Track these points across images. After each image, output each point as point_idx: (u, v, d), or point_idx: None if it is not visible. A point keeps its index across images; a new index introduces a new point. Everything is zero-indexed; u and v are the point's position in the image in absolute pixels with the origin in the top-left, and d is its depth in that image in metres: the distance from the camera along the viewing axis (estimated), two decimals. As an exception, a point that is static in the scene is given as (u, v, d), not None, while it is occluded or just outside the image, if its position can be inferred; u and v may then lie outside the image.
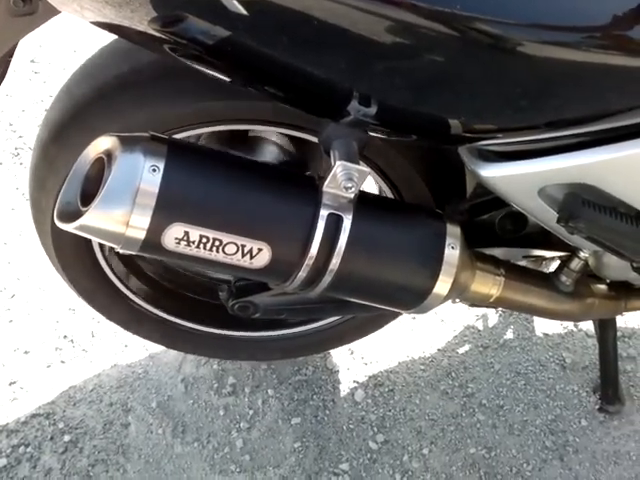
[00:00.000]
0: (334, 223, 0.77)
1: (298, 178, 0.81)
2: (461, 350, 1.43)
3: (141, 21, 0.70)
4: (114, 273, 1.15)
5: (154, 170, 0.70)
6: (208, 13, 0.67)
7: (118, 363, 1.47)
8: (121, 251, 0.76)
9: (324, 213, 0.76)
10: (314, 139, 0.92)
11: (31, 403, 1.41)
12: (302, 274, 0.78)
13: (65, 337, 1.52)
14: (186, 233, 0.72)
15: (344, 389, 1.39)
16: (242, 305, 1.03)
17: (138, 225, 0.71)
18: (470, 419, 1.33)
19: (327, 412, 1.36)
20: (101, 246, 1.09)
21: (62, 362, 1.49)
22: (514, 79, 0.69)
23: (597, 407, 1.32)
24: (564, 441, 1.28)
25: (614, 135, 0.72)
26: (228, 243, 0.74)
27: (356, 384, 1.40)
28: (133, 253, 0.76)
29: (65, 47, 2.09)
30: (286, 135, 1.00)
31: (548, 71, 0.68)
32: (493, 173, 0.81)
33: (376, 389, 1.39)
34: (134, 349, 1.49)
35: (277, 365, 1.43)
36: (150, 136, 0.73)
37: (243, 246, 0.74)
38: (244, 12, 0.63)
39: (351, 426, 1.34)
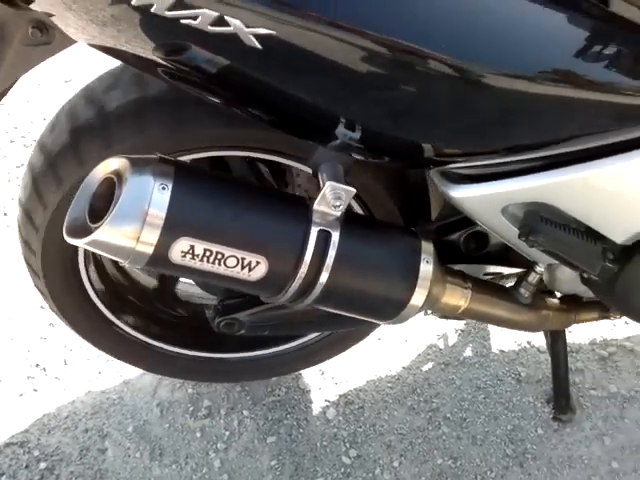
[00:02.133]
0: (323, 239, 0.85)
1: (291, 198, 0.89)
2: (424, 368, 1.52)
3: (128, 42, 0.77)
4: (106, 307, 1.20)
5: (163, 189, 0.77)
6: (194, 40, 0.74)
7: (92, 390, 1.50)
8: (128, 266, 0.82)
9: (315, 230, 0.84)
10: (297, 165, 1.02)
11: (4, 432, 1.42)
12: (294, 286, 0.85)
13: (37, 365, 1.54)
14: (191, 247, 0.79)
15: (316, 408, 1.45)
16: (228, 322, 1.09)
17: (147, 240, 0.77)
18: (436, 432, 1.41)
19: (301, 430, 1.42)
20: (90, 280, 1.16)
21: (35, 390, 1.50)
22: (477, 109, 0.80)
23: (551, 416, 1.42)
24: (523, 449, 1.37)
25: (567, 159, 0.84)
26: (229, 256, 0.81)
27: (327, 403, 1.46)
28: (139, 267, 0.82)
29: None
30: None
31: (508, 102, 0.79)
32: (461, 194, 0.91)
33: (347, 407, 1.45)
34: (108, 376, 1.52)
35: (251, 387, 1.49)
36: (158, 158, 0.80)
37: (243, 259, 0.82)
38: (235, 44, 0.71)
39: (324, 443, 1.40)
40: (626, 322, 1.55)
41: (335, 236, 0.85)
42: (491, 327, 1.58)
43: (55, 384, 1.51)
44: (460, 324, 1.58)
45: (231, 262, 0.82)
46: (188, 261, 0.80)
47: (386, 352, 1.54)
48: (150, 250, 0.78)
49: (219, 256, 0.81)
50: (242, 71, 0.78)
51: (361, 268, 0.89)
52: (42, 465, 1.38)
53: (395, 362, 1.53)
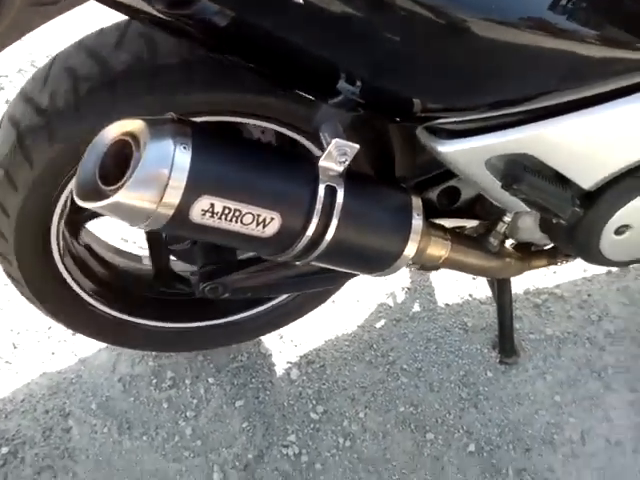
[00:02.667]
0: (330, 194, 0.89)
1: (299, 155, 0.92)
2: (378, 325, 1.59)
3: None
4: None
5: (184, 148, 0.78)
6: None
7: (47, 371, 1.46)
8: (144, 228, 0.82)
9: (322, 185, 0.88)
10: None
11: (-43, 421, 1.35)
12: (303, 242, 0.89)
13: (-16, 352, 1.48)
14: (211, 205, 0.81)
15: (279, 370, 1.49)
16: (212, 287, 1.11)
17: (169, 201, 0.78)
18: (395, 383, 1.49)
19: (267, 392, 1.45)
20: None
21: (-15, 376, 1.44)
22: (463, 59, 0.86)
23: (498, 361, 1.53)
24: (476, 391, 1.48)
25: (546, 112, 0.92)
26: (246, 213, 0.83)
27: (290, 364, 1.51)
28: (155, 229, 0.82)
29: None
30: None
31: (492, 53, 0.85)
32: (448, 149, 0.97)
33: (309, 367, 1.50)
34: (62, 356, 1.48)
35: (212, 355, 1.50)
36: (175, 118, 0.80)
37: (258, 216, 0.84)
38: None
39: (291, 402, 1.44)
40: (554, 271, 1.70)
41: (340, 191, 0.89)
42: (435, 283, 1.67)
43: (6, 368, 1.46)
44: (407, 282, 1.66)
45: (247, 219, 0.84)
46: (207, 220, 0.82)
47: (340, 313, 1.60)
48: (171, 211, 0.79)
49: (237, 213, 0.82)
50: (249, 22, 0.80)
51: (362, 222, 0.93)
52: (4, 450, 1.34)
53: (349, 322, 1.59)
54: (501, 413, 1.45)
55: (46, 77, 0.97)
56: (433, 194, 1.12)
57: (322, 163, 0.88)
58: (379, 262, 0.98)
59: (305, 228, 0.88)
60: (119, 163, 0.80)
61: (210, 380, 1.46)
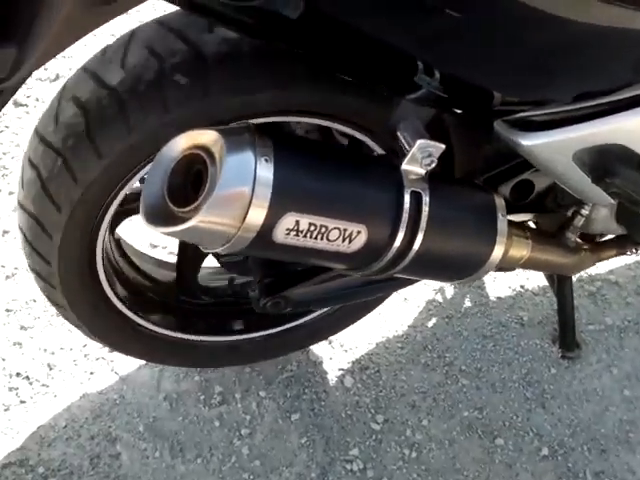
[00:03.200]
0: (416, 201, 0.80)
1: (380, 160, 0.83)
2: (429, 324, 1.51)
3: None
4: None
5: (266, 161, 0.69)
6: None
7: (87, 392, 1.37)
8: (222, 252, 0.73)
9: (407, 191, 0.80)
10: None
11: (-3, 453, 1.28)
12: (390, 253, 0.81)
13: (18, 375, 1.39)
14: (297, 222, 0.72)
15: (332, 378, 1.41)
16: (274, 302, 1.02)
17: (253, 221, 0.69)
18: (455, 385, 1.41)
19: (322, 403, 1.38)
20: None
21: (22, 402, 1.36)
22: (558, 51, 0.78)
23: (560, 355, 1.46)
24: (541, 390, 1.41)
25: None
26: (332, 229, 0.75)
27: (342, 371, 1.43)
28: (233, 253, 0.74)
29: None
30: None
31: (582, 43, 0.77)
32: (531, 142, 0.89)
33: (362, 373, 1.42)
34: (102, 375, 1.40)
35: (261, 367, 1.42)
36: (252, 127, 0.71)
37: (345, 230, 0.76)
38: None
39: (349, 412, 1.37)
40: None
41: (426, 197, 0.81)
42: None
43: (43, 391, 1.37)
44: (456, 277, 1.58)
45: (333, 235, 0.75)
46: (291, 239, 0.73)
47: (388, 314, 1.52)
48: (254, 233, 0.70)
49: (322, 230, 0.74)
50: (324, 11, 0.72)
51: (449, 228, 0.85)
52: (51, 482, 1.26)
53: (399, 322, 1.51)
54: (570, 412, 1.38)
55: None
56: (506, 189, 1.04)
57: (405, 167, 0.80)
58: (465, 269, 0.90)
59: (392, 239, 0.79)
60: (190, 180, 0.71)
61: (261, 393, 1.38)
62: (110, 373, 1.40)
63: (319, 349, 1.46)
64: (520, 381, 1.42)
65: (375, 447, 1.32)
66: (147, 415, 1.35)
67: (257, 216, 0.69)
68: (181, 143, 0.72)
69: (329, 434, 1.33)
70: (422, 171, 0.81)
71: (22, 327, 1.46)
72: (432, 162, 0.79)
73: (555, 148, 0.89)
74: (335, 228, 0.75)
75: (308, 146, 0.77)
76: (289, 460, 1.29)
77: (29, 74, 0.72)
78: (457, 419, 1.36)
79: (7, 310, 1.48)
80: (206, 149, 0.70)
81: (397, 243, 0.80)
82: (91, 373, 1.40)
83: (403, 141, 0.81)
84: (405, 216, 0.79)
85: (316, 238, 0.74)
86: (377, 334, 1.49)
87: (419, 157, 0.79)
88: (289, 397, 1.38)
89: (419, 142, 0.78)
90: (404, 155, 0.80)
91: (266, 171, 0.69)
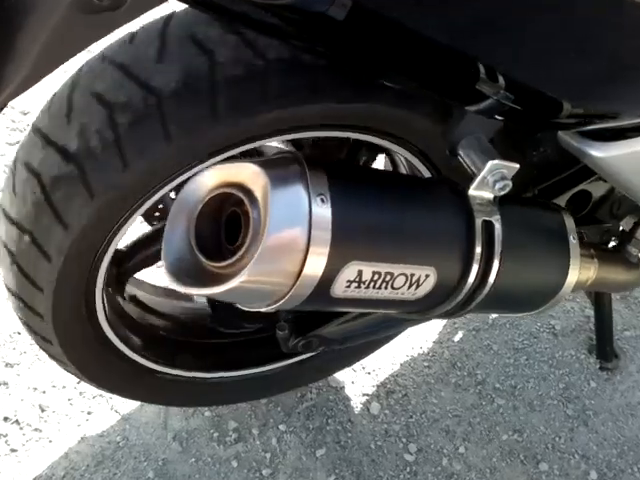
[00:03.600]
0: (487, 230, 0.68)
1: (441, 185, 0.70)
2: (456, 338, 1.40)
3: None
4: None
5: (322, 202, 0.56)
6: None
7: (86, 435, 1.23)
8: (267, 311, 0.60)
9: (478, 221, 0.67)
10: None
11: (-11, 511, 1.14)
12: (461, 295, 0.68)
13: (6, 419, 1.25)
14: (359, 273, 0.59)
15: (357, 405, 1.29)
16: (306, 342, 0.89)
17: (311, 274, 0.56)
18: (491, 406, 1.30)
19: (349, 434, 1.25)
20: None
21: (12, 450, 1.21)
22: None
23: (598, 367, 1.36)
24: (582, 406, 1.31)
25: None
26: (398, 275, 0.62)
27: (367, 397, 1.31)
28: (286, 309, 0.60)
29: None
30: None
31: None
32: (604, 153, 0.77)
33: (389, 398, 1.31)
34: (101, 415, 1.26)
35: (277, 398, 1.29)
36: (300, 157, 0.58)
37: (412, 276, 0.63)
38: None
39: (378, 443, 1.25)
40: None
41: (497, 225, 0.68)
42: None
43: (37, 438, 1.23)
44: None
45: (399, 282, 0.63)
46: (352, 292, 0.60)
47: (411, 329, 1.40)
48: (310, 287, 0.57)
49: (387, 278, 0.61)
50: (373, 9, 0.58)
51: (523, 257, 0.73)
52: (52, 543, 1.12)
53: (423, 339, 1.39)
54: (615, 429, 1.28)
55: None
56: (561, 202, 0.92)
57: (473, 192, 0.67)
58: (540, 299, 0.78)
59: (464, 279, 0.67)
60: (222, 226, 0.57)
61: (281, 427, 1.25)
62: (110, 412, 1.26)
63: (339, 373, 1.33)
64: (559, 397, 1.32)
65: (410, 481, 1.20)
66: (155, 458, 1.21)
67: (315, 269, 0.56)
68: (208, 181, 0.58)
69: (359, 469, 1.21)
70: (491, 196, 0.68)
71: (7, 364, 1.31)
72: (506, 186, 0.66)
73: (629, 159, 0.77)
74: (401, 274, 0.62)
75: (363, 175, 0.64)
76: (318, 502, 1.17)
77: (4, 104, 0.57)
78: (496, 444, 1.25)
79: (-12, 346, 1.33)
80: (242, 187, 0.56)
81: (469, 283, 0.67)
82: (89, 413, 1.26)
83: (467, 161, 0.68)
84: (478, 251, 0.67)
85: (379, 288, 0.61)
86: (401, 353, 1.37)
87: (490, 180, 0.66)
88: (312, 430, 1.25)
89: (491, 163, 0.65)
90: (469, 178, 0.67)
91: (323, 212, 0.55)
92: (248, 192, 0.56)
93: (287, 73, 0.69)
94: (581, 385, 1.33)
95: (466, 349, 1.38)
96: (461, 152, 0.69)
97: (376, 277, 0.60)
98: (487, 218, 0.67)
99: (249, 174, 0.56)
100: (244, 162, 0.57)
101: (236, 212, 0.57)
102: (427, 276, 0.64)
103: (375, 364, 1.35)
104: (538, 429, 1.27)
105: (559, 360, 1.37)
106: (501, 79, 0.68)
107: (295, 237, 0.54)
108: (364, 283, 0.60)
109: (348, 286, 0.59)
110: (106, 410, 1.26)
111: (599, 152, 0.77)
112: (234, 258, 0.55)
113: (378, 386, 1.32)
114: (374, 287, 0.61)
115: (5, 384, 1.28)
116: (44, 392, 1.28)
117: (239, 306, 0.63)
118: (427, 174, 0.87)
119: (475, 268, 0.66)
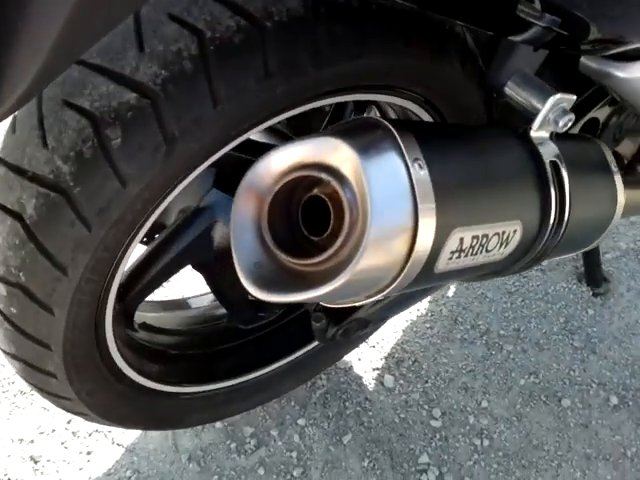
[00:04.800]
0: (556, 171, 0.63)
1: (506, 130, 0.64)
2: (450, 294, 1.37)
3: None
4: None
5: (420, 166, 0.48)
6: None
7: (92, 478, 1.12)
8: (370, 300, 0.52)
9: (547, 163, 0.62)
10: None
11: None
12: (542, 242, 0.63)
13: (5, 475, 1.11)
14: (461, 241, 0.53)
15: (370, 382, 1.24)
16: (347, 328, 0.82)
17: (422, 248, 0.49)
18: (500, 354, 1.28)
19: (370, 413, 1.20)
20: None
21: (13, 513, 1.08)
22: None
23: (591, 294, 1.36)
24: (586, 336, 1.31)
25: None
26: (493, 236, 0.56)
27: (378, 371, 1.25)
28: (379, 297, 0.53)
29: None
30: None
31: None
32: (629, 73, 0.73)
33: (400, 367, 1.26)
34: (102, 452, 1.14)
35: (287, 393, 1.21)
36: (380, 121, 0.50)
37: (502, 233, 0.57)
38: None
39: (402, 415, 1.20)
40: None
41: (562, 163, 0.64)
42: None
43: (38, 493, 1.10)
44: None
45: (492, 243, 0.57)
46: (452, 264, 0.54)
47: (403, 292, 1.35)
48: (420, 265, 0.50)
49: (483, 241, 0.56)
50: None
51: (584, 192, 0.69)
52: None
53: (418, 299, 1.35)
54: (622, 351, 1.29)
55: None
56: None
57: (534, 133, 0.61)
58: (599, 231, 0.75)
59: (544, 226, 0.62)
60: (299, 216, 0.49)
61: (300, 422, 1.18)
62: (112, 447, 1.15)
63: (344, 353, 1.27)
64: (562, 332, 1.32)
65: (443, 446, 1.17)
66: (175, 485, 1.11)
67: (425, 244, 0.49)
68: (276, 165, 0.49)
69: (390, 447, 1.16)
70: (547, 134, 0.63)
71: (-16, 419, 1.16)
72: (570, 120, 0.62)
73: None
74: (495, 234, 0.56)
75: (444, 132, 0.57)
76: (359, 490, 1.12)
77: (11, 110, 0.46)
78: (515, 390, 1.23)
79: (-45, 403, 1.18)
80: (322, 166, 0.48)
81: (548, 229, 0.62)
82: (88, 453, 1.14)
83: (521, 101, 0.63)
84: (552, 194, 0.61)
85: (475, 254, 0.55)
86: (400, 319, 1.32)
87: (551, 117, 0.61)
88: (332, 417, 1.19)
89: (553, 99, 0.60)
90: (526, 117, 0.62)
91: (424, 179, 0.48)
92: (332, 171, 0.48)
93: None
94: (580, 315, 1.34)
95: (462, 302, 1.35)
96: (511, 91, 0.63)
97: (474, 242, 0.54)
98: (552, 158, 0.63)
99: (330, 150, 0.48)
100: (318, 137, 0.48)
101: (316, 197, 0.49)
102: (515, 231, 0.59)
103: (377, 336, 1.29)
104: (551, 367, 1.27)
105: (553, 295, 1.37)
106: (537, 2, 0.62)
107: (402, 212, 0.47)
108: (464, 252, 0.54)
109: (450, 258, 0.53)
110: (107, 446, 1.15)
111: (623, 73, 0.73)
112: (331, 250, 0.47)
113: (386, 358, 1.27)
114: (472, 254, 0.55)
115: (-13, 443, 1.14)
116: (32, 441, 1.15)
117: (324, 304, 0.55)
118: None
119: (553, 212, 0.62)
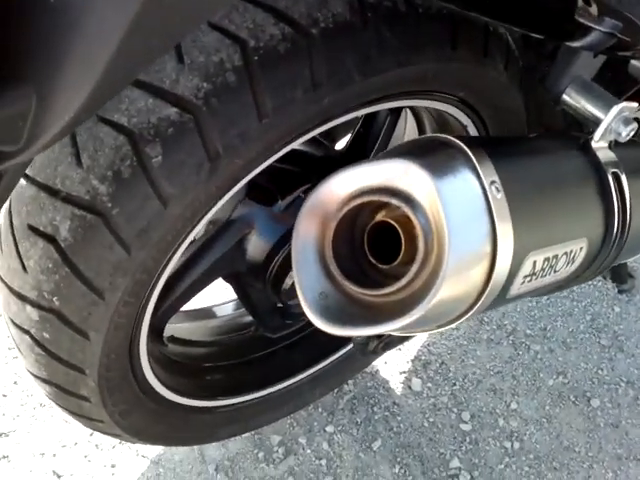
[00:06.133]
0: (618, 182, 0.60)
1: (569, 141, 0.62)
2: (472, 293, 1.35)
3: None
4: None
5: (497, 189, 0.46)
6: None
7: (119, 492, 1.10)
8: (445, 329, 0.50)
9: (609, 175, 0.59)
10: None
11: None
12: (604, 256, 0.61)
13: (20, 497, 1.09)
14: (534, 264, 0.50)
15: (397, 386, 1.22)
16: (388, 341, 0.80)
17: (501, 273, 0.47)
18: (528, 354, 1.26)
19: (398, 418, 1.18)
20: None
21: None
22: None
23: (617, 291, 1.34)
24: (613, 334, 1.29)
25: None
26: (562, 256, 0.54)
27: (405, 375, 1.23)
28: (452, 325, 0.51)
29: None
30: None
31: None
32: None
33: (427, 370, 1.24)
34: (127, 464, 1.12)
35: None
36: (451, 140, 0.47)
37: (570, 252, 0.55)
38: None
39: (430, 419, 1.18)
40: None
41: (622, 174, 0.61)
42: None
43: (63, 509, 1.08)
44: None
45: (560, 263, 0.54)
46: (523, 287, 0.52)
47: (426, 292, 1.33)
48: (497, 291, 0.47)
49: (553, 262, 0.53)
50: None
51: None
52: None
53: (441, 299, 1.33)
54: (649, 348, 1.27)
55: None
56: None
57: (596, 144, 0.59)
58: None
59: (607, 241, 0.59)
60: (363, 243, 0.47)
61: (328, 429, 1.16)
62: (136, 459, 1.13)
63: (368, 356, 1.25)
64: (589, 330, 1.30)
65: (473, 450, 1.15)
66: (203, 496, 1.09)
67: (503, 269, 0.47)
68: (339, 191, 0.46)
69: (420, 452, 1.14)
70: (606, 144, 0.60)
71: (1, 434, 1.14)
72: (633, 129, 0.59)
73: None
74: (563, 254, 0.54)
75: (513, 148, 0.55)
76: (390, 498, 1.10)
77: (55, 140, 0.43)
78: (544, 391, 1.22)
79: (-28, 418, 1.15)
80: (391, 191, 0.45)
81: (612, 241, 0.60)
82: (112, 466, 1.12)
83: (580, 109, 0.60)
84: (616, 207, 0.59)
85: (544, 276, 0.53)
86: (423, 320, 1.30)
87: (614, 127, 0.58)
88: (360, 423, 1.17)
89: (617, 108, 0.58)
90: (582, 128, 0.59)
91: (501, 202, 0.46)
92: (402, 195, 0.45)
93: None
94: (606, 312, 1.32)
95: (486, 302, 1.33)
96: (570, 100, 0.60)
97: (545, 264, 0.52)
98: (614, 169, 0.60)
99: (400, 173, 0.45)
100: (386, 159, 0.46)
101: (383, 223, 0.46)
102: (581, 249, 0.56)
103: (402, 338, 1.27)
104: (579, 366, 1.25)
105: (578, 293, 1.35)
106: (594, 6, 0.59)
107: (481, 237, 0.45)
108: (535, 275, 0.51)
109: (522, 282, 0.50)
110: (131, 458, 1.13)
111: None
112: (405, 280, 0.44)
113: (413, 361, 1.25)
114: (541, 276, 0.53)
115: (5, 457, 1.11)
116: (54, 455, 1.12)
117: (388, 332, 0.53)
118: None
119: (616, 225, 0.59)
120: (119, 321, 0.66)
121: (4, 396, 1.18)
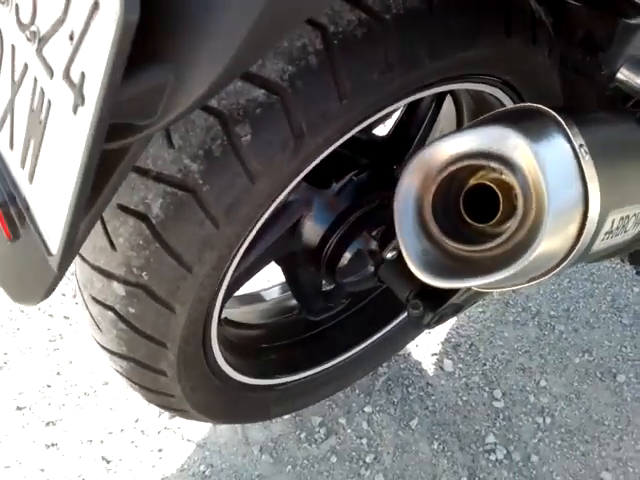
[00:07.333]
0: None
1: (625, 115, 0.66)
2: (496, 277, 1.39)
3: None
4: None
5: (585, 152, 0.50)
6: None
7: (166, 475, 1.13)
8: (531, 285, 0.54)
9: None
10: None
11: None
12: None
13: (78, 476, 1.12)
14: (612, 222, 0.55)
15: (430, 367, 1.26)
16: (442, 314, 0.84)
17: (589, 230, 0.51)
18: (553, 334, 1.31)
19: (433, 397, 1.22)
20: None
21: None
22: None
23: (635, 272, 1.40)
24: (634, 313, 1.34)
25: None
26: (632, 216, 0.58)
27: (436, 356, 1.28)
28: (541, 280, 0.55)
29: None
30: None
31: None
32: None
33: (458, 351, 1.28)
34: (174, 448, 1.15)
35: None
36: (543, 108, 0.52)
37: (639, 213, 0.59)
38: None
39: (464, 398, 1.23)
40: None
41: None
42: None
43: (114, 490, 1.11)
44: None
45: (631, 223, 0.59)
46: (602, 244, 0.56)
47: (452, 278, 1.37)
48: (584, 247, 0.52)
49: (625, 221, 0.57)
50: None
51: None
52: None
53: (467, 284, 1.38)
54: (670, 326, 1.33)
55: None
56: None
57: None
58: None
59: None
60: (460, 203, 0.51)
61: (367, 409, 1.20)
62: (182, 443, 1.16)
63: (400, 339, 1.29)
64: (611, 310, 1.35)
65: (507, 426, 1.19)
66: (249, 477, 1.13)
67: (591, 227, 0.51)
68: (440, 156, 0.51)
69: (456, 429, 1.19)
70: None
71: (48, 423, 1.16)
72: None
73: None
74: (634, 215, 0.58)
75: (593, 116, 0.59)
76: (431, 473, 1.14)
77: (184, 114, 0.46)
78: (571, 369, 1.26)
79: (18, 408, 1.18)
80: (490, 155, 0.50)
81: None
82: (159, 450, 1.15)
83: (636, 86, 0.64)
84: None
85: (618, 235, 0.57)
86: (451, 304, 1.34)
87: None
88: (397, 403, 1.21)
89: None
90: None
91: (590, 164, 0.50)
92: (501, 159, 0.49)
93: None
94: (626, 293, 1.37)
95: (510, 285, 1.38)
96: (626, 76, 0.65)
97: (620, 223, 0.56)
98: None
99: (500, 138, 0.49)
100: (485, 126, 0.50)
101: (481, 185, 0.50)
102: (646, 210, 0.61)
103: (432, 322, 1.31)
104: (603, 344, 1.30)
105: (598, 275, 1.40)
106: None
107: (575, 196, 0.49)
108: (612, 233, 0.56)
109: (602, 239, 0.55)
110: (177, 442, 1.16)
111: None
112: (505, 236, 0.49)
113: (443, 343, 1.29)
114: (615, 235, 0.57)
115: (54, 445, 1.14)
116: (102, 442, 1.15)
117: (480, 289, 0.57)
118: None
119: None
120: (202, 294, 0.69)
121: (48, 386, 1.20)
